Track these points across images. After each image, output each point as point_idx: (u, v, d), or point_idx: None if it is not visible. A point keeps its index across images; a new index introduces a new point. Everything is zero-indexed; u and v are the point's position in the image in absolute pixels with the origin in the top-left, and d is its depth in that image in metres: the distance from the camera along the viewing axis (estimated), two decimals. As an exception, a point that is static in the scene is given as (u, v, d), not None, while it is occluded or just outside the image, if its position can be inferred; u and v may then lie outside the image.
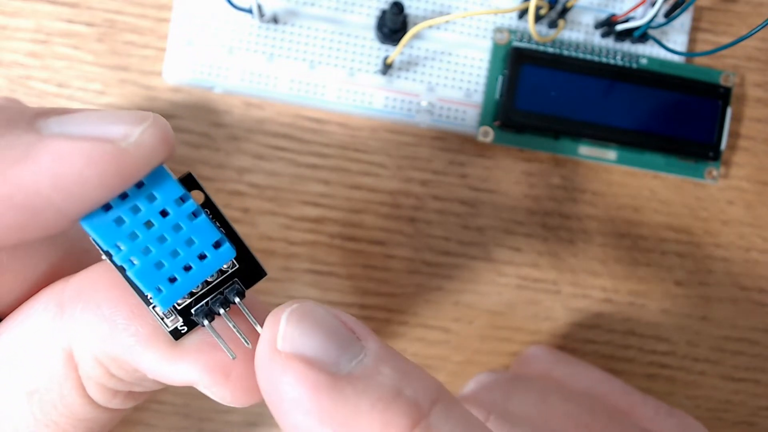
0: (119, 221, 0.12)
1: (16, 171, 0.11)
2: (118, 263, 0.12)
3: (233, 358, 0.13)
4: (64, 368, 0.13)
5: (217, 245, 0.13)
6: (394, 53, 0.23)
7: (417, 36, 0.24)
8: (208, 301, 0.14)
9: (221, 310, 0.14)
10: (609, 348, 0.25)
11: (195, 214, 0.13)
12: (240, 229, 0.23)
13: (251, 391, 0.14)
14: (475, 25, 0.24)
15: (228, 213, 0.24)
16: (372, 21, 0.24)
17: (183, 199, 0.13)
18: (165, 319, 0.13)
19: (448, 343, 0.24)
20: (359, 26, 0.24)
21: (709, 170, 0.24)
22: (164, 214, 0.12)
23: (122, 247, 0.12)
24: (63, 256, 0.15)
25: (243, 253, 0.14)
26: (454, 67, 0.24)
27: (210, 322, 0.14)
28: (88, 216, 0.12)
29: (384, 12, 0.23)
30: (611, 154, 0.24)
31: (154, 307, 0.13)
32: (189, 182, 0.14)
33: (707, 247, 0.25)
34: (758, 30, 0.19)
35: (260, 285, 0.24)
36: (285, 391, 0.12)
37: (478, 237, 0.24)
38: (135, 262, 0.12)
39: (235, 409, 0.24)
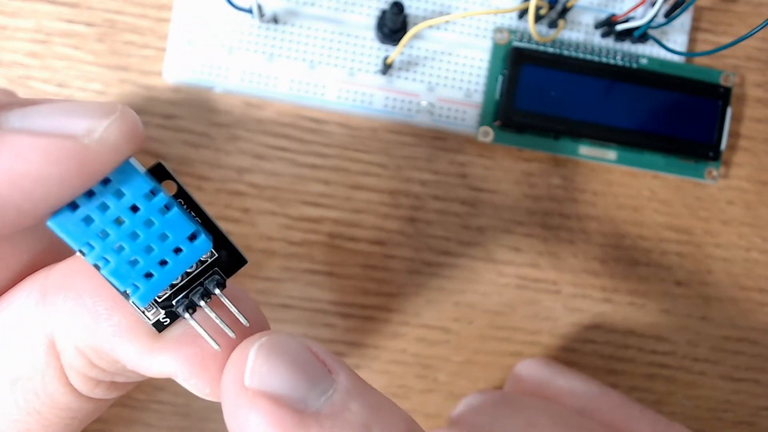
0: (88, 220, 0.12)
1: None
2: (92, 262, 0.12)
3: (218, 350, 0.13)
4: (47, 357, 0.13)
5: (192, 237, 0.12)
6: (394, 53, 0.23)
7: (417, 36, 0.24)
8: (188, 293, 0.13)
9: (202, 303, 0.13)
10: (609, 348, 0.25)
11: (167, 207, 0.12)
12: (240, 230, 0.24)
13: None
14: (475, 25, 0.24)
15: (228, 213, 0.24)
16: (372, 21, 0.24)
17: (153, 193, 0.12)
18: (146, 312, 0.13)
19: (448, 343, 0.24)
20: (359, 26, 0.24)
21: (709, 170, 0.24)
22: (134, 209, 0.12)
23: (94, 246, 0.12)
24: (46, 245, 0.15)
25: (222, 242, 0.14)
26: (454, 67, 0.24)
27: (191, 314, 0.13)
28: (56, 215, 0.11)
29: (384, 12, 0.23)
30: (611, 154, 0.24)
31: (133, 302, 0.13)
32: (159, 173, 0.13)
33: (707, 247, 0.25)
34: (758, 30, 0.19)
35: (260, 285, 0.24)
36: (251, 430, 0.12)
37: (478, 237, 0.24)
38: (109, 259, 0.12)
39: (235, 409, 0.24)
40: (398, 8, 0.22)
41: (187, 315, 0.13)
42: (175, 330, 0.13)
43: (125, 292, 0.13)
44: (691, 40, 0.25)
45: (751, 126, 0.25)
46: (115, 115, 0.11)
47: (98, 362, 0.13)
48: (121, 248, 0.12)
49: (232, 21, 0.23)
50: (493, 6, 0.24)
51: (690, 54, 0.25)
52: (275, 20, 0.23)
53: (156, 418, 0.24)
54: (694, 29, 0.25)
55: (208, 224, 0.13)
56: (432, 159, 0.24)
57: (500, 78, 0.24)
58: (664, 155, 0.24)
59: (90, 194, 0.12)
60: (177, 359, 0.13)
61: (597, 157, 0.24)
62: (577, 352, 0.25)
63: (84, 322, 0.13)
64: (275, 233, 0.24)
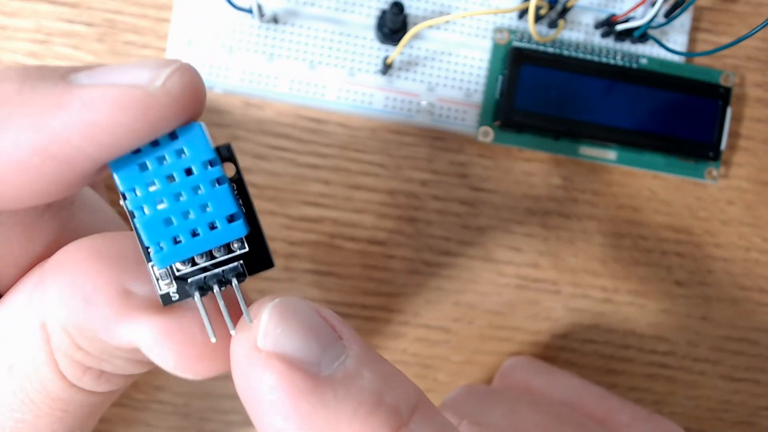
0: (143, 167, 0.12)
1: (49, 120, 0.11)
2: (130, 207, 0.12)
3: (213, 341, 0.13)
4: (39, 341, 0.13)
5: (231, 219, 0.13)
6: (394, 53, 0.23)
7: (417, 36, 0.24)
8: (206, 276, 0.13)
9: (216, 287, 0.13)
10: (609, 348, 0.25)
11: (219, 182, 0.12)
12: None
13: (201, 360, 0.13)
14: (475, 25, 0.24)
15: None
16: (372, 21, 0.24)
17: (212, 164, 0.12)
18: (159, 281, 0.13)
19: (448, 343, 0.24)
20: (359, 26, 0.24)
21: (709, 170, 0.24)
22: (189, 172, 0.12)
23: (138, 193, 0.12)
24: (60, 234, 0.15)
25: (256, 239, 0.13)
26: (454, 67, 0.24)
27: (201, 296, 0.13)
28: (117, 158, 0.12)
29: (384, 12, 0.23)
30: (611, 154, 0.24)
31: (152, 265, 0.13)
32: (226, 153, 0.13)
33: (707, 247, 0.25)
34: (758, 30, 0.19)
35: (260, 285, 0.24)
36: (263, 393, 0.12)
37: (478, 237, 0.24)
38: (146, 211, 0.12)
39: (235, 408, 0.24)
40: (398, 8, 0.22)
41: (197, 294, 0.13)
42: (151, 300, 0.13)
43: (147, 249, 0.13)
44: (691, 40, 0.25)
45: (751, 126, 0.25)
46: (176, 65, 0.12)
47: (82, 343, 0.13)
48: (162, 203, 0.12)
49: (232, 21, 0.23)
50: (493, 6, 0.24)
51: (690, 54, 0.25)
52: (275, 20, 0.23)
53: (156, 418, 0.24)
54: (694, 29, 0.25)
55: (250, 217, 0.13)
56: (432, 159, 0.24)
57: (500, 78, 0.24)
58: (664, 155, 0.24)
59: (155, 144, 0.12)
60: (149, 327, 0.13)
61: (597, 157, 0.24)
62: (577, 352, 0.25)
63: (70, 302, 0.13)
64: (275, 233, 0.24)
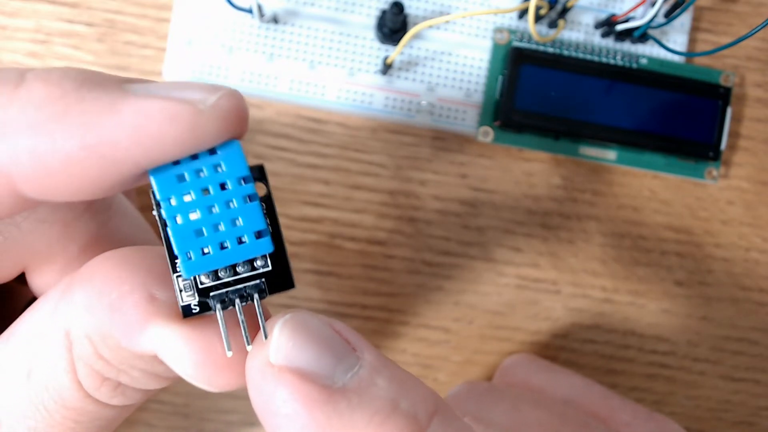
0: (181, 178, 0.13)
1: (102, 121, 0.12)
2: (164, 216, 0.13)
3: (229, 355, 0.13)
4: (61, 348, 0.14)
5: (258, 235, 0.13)
6: (394, 53, 0.23)
7: (417, 36, 0.24)
8: (228, 291, 0.13)
9: (238, 301, 0.13)
10: (609, 348, 0.25)
11: (251, 198, 0.13)
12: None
13: (220, 371, 0.13)
14: (475, 25, 0.24)
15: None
16: (372, 21, 0.24)
17: (245, 180, 0.13)
18: (183, 292, 0.13)
19: (448, 343, 0.24)
20: (359, 26, 0.24)
21: (709, 170, 0.24)
22: (223, 187, 0.13)
23: (173, 202, 0.13)
24: (97, 236, 0.15)
25: (280, 259, 0.14)
26: (454, 67, 0.24)
27: (223, 310, 0.13)
28: (157, 167, 0.12)
29: (384, 12, 0.23)
30: (611, 154, 0.24)
31: (177, 276, 0.13)
32: (259, 173, 0.14)
33: (707, 247, 0.25)
34: (758, 30, 0.19)
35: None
36: (278, 406, 0.12)
37: (478, 237, 0.24)
38: (179, 220, 0.13)
39: (235, 408, 0.24)
40: (398, 8, 0.22)
41: (218, 306, 0.13)
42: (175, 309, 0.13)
43: (175, 257, 0.13)
44: (691, 40, 0.25)
45: (751, 126, 0.25)
46: (225, 90, 0.13)
47: (104, 352, 0.13)
48: (195, 214, 0.13)
49: (232, 21, 0.23)
50: (493, 6, 0.24)
51: (690, 54, 0.25)
52: (275, 20, 0.23)
53: (156, 418, 0.24)
54: (694, 29, 0.25)
55: (276, 237, 0.14)
56: (432, 159, 0.24)
57: (500, 78, 0.24)
58: (664, 155, 0.24)
59: (194, 157, 0.13)
60: (171, 333, 0.13)
61: (597, 157, 0.24)
62: (577, 352, 0.25)
63: (95, 309, 0.13)
64: (275, 233, 0.24)
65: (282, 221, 0.24)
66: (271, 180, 0.24)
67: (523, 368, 0.23)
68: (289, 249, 0.24)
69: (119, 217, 0.16)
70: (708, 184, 0.25)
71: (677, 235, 0.25)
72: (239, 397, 0.24)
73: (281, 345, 0.13)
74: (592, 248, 0.25)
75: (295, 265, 0.24)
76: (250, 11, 0.22)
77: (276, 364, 0.12)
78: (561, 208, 0.25)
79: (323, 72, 0.23)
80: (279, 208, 0.24)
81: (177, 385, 0.24)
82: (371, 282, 0.24)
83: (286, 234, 0.24)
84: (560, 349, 0.25)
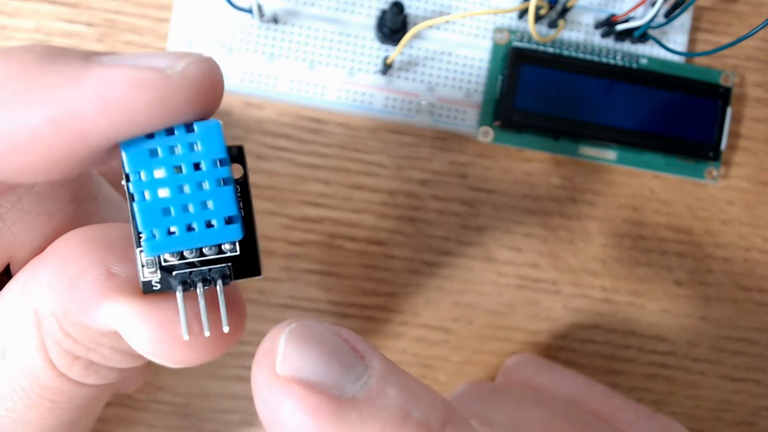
0: (153, 153, 0.12)
1: (64, 93, 0.11)
2: (131, 190, 0.12)
3: (186, 339, 0.13)
4: (30, 327, 0.13)
5: (229, 220, 0.12)
6: (394, 53, 0.23)
7: (417, 36, 0.24)
8: (192, 272, 0.13)
9: (200, 284, 0.13)
10: (609, 348, 0.25)
11: (225, 182, 0.12)
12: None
13: (176, 347, 0.13)
14: (475, 25, 0.24)
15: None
16: (372, 21, 0.24)
17: (221, 163, 0.12)
18: (144, 268, 0.13)
19: (448, 343, 0.24)
20: (359, 26, 0.24)
21: (709, 170, 0.24)
22: (197, 167, 0.12)
23: (143, 177, 0.12)
24: (65, 227, 0.15)
25: (249, 245, 0.13)
26: (454, 67, 0.24)
27: (183, 291, 0.13)
28: (130, 140, 0.12)
29: (384, 12, 0.23)
30: (611, 154, 0.24)
31: (141, 251, 0.13)
32: (236, 153, 0.13)
33: (707, 247, 0.25)
34: (758, 30, 0.19)
35: (261, 284, 0.24)
36: (285, 418, 0.12)
37: (478, 237, 0.24)
38: (147, 196, 0.12)
39: (235, 409, 0.24)
40: (398, 8, 0.22)
41: (180, 288, 0.13)
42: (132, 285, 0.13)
43: (139, 234, 0.13)
44: (691, 40, 0.25)
45: (751, 126, 0.25)
46: (196, 56, 0.12)
47: (69, 329, 0.13)
48: (164, 191, 0.12)
49: (232, 21, 0.23)
50: (493, 6, 0.24)
51: (690, 54, 0.25)
52: (275, 20, 0.23)
53: (156, 418, 0.24)
54: (694, 29, 0.25)
55: (248, 222, 0.13)
56: (432, 159, 0.24)
57: (500, 78, 0.24)
58: (664, 155, 0.24)
59: (170, 132, 0.12)
60: (127, 308, 0.13)
61: (597, 157, 0.24)
62: (577, 352, 0.25)
63: (56, 286, 0.13)
64: (275, 233, 0.24)
65: (282, 221, 0.24)
66: (271, 180, 0.24)
67: (525, 368, 0.23)
68: (289, 249, 0.24)
69: (106, 208, 0.16)
70: (708, 184, 0.25)
71: (677, 235, 0.25)
72: (239, 397, 0.24)
73: (287, 355, 0.12)
74: (592, 248, 0.25)
75: (295, 265, 0.24)
76: (250, 11, 0.22)
77: (282, 374, 0.12)
78: (561, 208, 0.25)
79: (323, 72, 0.23)
80: (279, 208, 0.24)
81: (177, 385, 0.24)
82: (371, 282, 0.24)
83: (286, 234, 0.24)
84: (560, 349, 0.25)
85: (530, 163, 0.25)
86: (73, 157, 0.12)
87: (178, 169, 0.12)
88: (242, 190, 0.13)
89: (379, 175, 0.24)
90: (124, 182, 0.12)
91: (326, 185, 0.24)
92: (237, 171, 0.13)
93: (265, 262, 0.24)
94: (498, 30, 0.24)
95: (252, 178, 0.24)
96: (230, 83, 0.23)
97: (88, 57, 0.12)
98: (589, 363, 0.25)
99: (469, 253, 0.24)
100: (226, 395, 0.24)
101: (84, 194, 0.16)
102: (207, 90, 0.12)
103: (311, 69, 0.23)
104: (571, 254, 0.25)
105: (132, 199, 0.12)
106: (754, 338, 0.25)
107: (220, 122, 0.12)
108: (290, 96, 0.23)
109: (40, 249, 0.14)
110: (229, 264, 0.13)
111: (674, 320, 0.25)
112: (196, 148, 0.12)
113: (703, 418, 0.25)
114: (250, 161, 0.24)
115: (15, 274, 0.15)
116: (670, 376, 0.25)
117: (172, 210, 0.12)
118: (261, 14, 0.23)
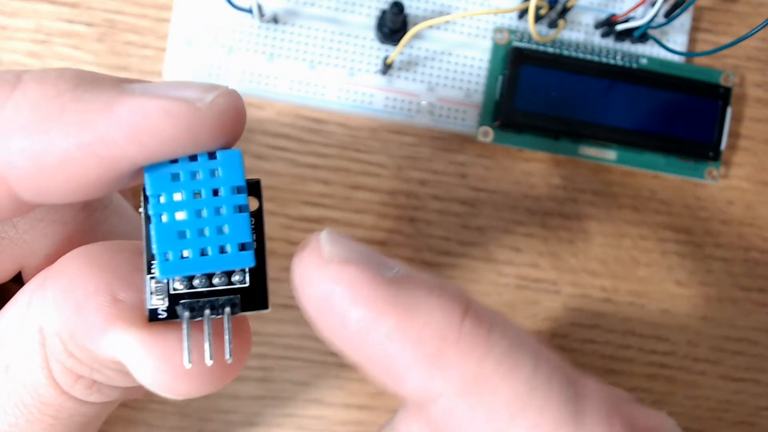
0: (175, 177, 0.12)
1: (98, 120, 0.12)
2: (150, 212, 0.12)
3: (188, 367, 0.13)
4: (35, 344, 0.14)
5: (242, 247, 0.13)
6: (394, 53, 0.23)
7: (417, 36, 0.24)
8: (200, 301, 0.13)
9: (207, 311, 0.13)
10: (609, 348, 0.25)
11: (241, 209, 0.13)
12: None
13: (179, 380, 0.13)
14: (475, 25, 0.24)
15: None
16: (372, 21, 0.24)
17: (239, 190, 0.13)
18: (153, 295, 0.13)
19: (448, 343, 0.24)
20: (359, 26, 0.24)
21: (709, 170, 0.24)
22: (216, 193, 0.13)
23: (162, 199, 0.12)
24: (93, 236, 0.15)
25: (259, 278, 0.14)
26: (454, 67, 0.24)
27: (190, 319, 0.13)
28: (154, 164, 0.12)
29: (384, 12, 0.23)
30: (611, 154, 0.24)
31: (151, 277, 0.13)
32: (254, 188, 0.14)
33: (707, 247, 0.25)
34: (758, 30, 0.19)
35: (260, 285, 0.24)
36: (341, 296, 0.12)
37: (478, 237, 0.24)
38: (164, 218, 0.12)
39: (235, 408, 0.24)
40: (398, 8, 0.22)
41: (186, 314, 0.13)
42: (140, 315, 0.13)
43: (151, 259, 0.13)
44: (691, 40, 0.25)
45: (751, 126, 0.25)
46: (223, 89, 0.13)
47: (73, 350, 0.13)
48: (181, 215, 0.12)
49: (232, 21, 0.23)
50: (493, 6, 0.24)
51: (690, 54, 0.25)
52: (275, 20, 0.23)
53: (156, 418, 0.24)
54: (694, 29, 0.25)
55: (259, 254, 0.14)
56: (432, 159, 0.24)
57: (500, 78, 0.24)
58: (664, 155, 0.24)
59: (192, 159, 0.13)
60: (131, 338, 0.13)
61: (597, 157, 0.24)
62: (577, 352, 0.25)
63: (63, 307, 0.13)
64: (275, 233, 0.24)
65: (282, 221, 0.24)
66: (271, 180, 0.24)
67: None
68: (289, 249, 0.24)
69: (116, 217, 0.16)
70: (708, 184, 0.25)
71: (677, 235, 0.25)
72: (239, 397, 0.24)
73: (332, 243, 0.13)
74: (592, 248, 0.25)
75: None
76: (250, 11, 0.22)
77: (330, 257, 0.13)
78: (561, 208, 0.25)
79: (323, 72, 0.23)
80: (279, 208, 0.24)
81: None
82: (371, 282, 0.24)
83: (286, 234, 0.24)
84: (560, 349, 0.25)
85: (530, 163, 0.25)
86: (101, 181, 0.12)
87: (198, 194, 0.13)
88: (256, 222, 0.14)
89: (379, 175, 0.24)
90: (141, 205, 0.13)
91: (326, 185, 0.24)
92: (253, 204, 0.14)
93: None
94: (498, 30, 0.24)
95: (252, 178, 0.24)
96: (230, 83, 0.23)
97: (120, 85, 0.12)
98: (589, 363, 0.25)
99: (469, 253, 0.24)
100: (226, 395, 0.24)
101: (96, 203, 0.16)
102: (232, 121, 0.13)
103: (311, 69, 0.23)
104: (571, 254, 0.25)
105: (148, 221, 0.13)
106: (754, 338, 0.25)
107: (241, 151, 0.13)
108: (290, 96, 0.23)
109: (52, 257, 0.15)
110: (238, 295, 0.13)
111: (674, 320, 0.25)
112: (216, 174, 0.13)
113: (703, 418, 0.25)
114: (250, 161, 0.24)
115: (26, 282, 0.15)
116: (670, 376, 0.25)
117: (188, 233, 0.12)
118: (261, 14, 0.23)
